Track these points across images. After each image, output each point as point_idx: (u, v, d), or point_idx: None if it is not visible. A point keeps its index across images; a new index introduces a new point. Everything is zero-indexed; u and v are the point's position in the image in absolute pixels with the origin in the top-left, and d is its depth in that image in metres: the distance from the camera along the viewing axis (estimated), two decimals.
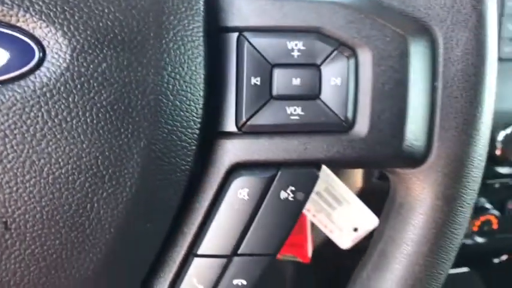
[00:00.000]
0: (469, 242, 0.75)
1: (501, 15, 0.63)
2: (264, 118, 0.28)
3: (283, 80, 0.27)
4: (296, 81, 0.27)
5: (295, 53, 0.27)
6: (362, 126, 0.28)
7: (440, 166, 0.29)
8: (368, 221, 0.53)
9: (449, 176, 0.29)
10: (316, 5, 0.27)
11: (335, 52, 0.27)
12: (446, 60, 0.28)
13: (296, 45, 0.27)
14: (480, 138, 0.29)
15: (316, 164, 0.29)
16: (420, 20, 0.28)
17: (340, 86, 0.28)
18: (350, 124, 0.28)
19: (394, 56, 0.27)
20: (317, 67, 0.28)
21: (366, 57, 0.27)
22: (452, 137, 0.29)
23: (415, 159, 0.29)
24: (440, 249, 0.30)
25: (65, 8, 0.23)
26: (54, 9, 0.23)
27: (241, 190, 0.28)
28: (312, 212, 0.52)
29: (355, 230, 0.53)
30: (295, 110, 0.28)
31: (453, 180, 0.29)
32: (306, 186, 0.29)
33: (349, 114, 0.28)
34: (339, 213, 0.52)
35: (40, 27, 0.23)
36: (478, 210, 0.73)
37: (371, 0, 0.28)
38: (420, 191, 0.30)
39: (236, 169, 0.28)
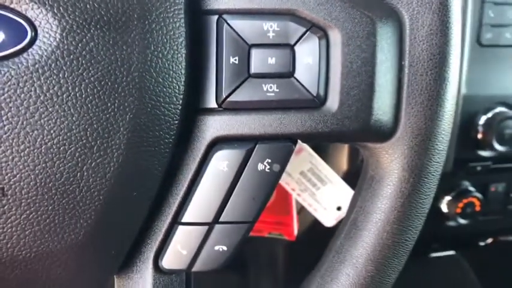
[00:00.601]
0: (452, 223, 0.77)
1: (482, 1, 0.64)
2: (242, 95, 0.30)
3: (260, 59, 0.29)
4: (271, 60, 0.29)
5: (271, 34, 0.29)
6: (333, 103, 0.30)
7: (407, 140, 0.31)
8: None
9: (415, 149, 0.31)
10: None
11: (308, 33, 0.29)
12: (412, 41, 0.30)
13: (271, 26, 0.29)
14: (444, 114, 0.31)
15: (291, 138, 0.31)
16: (388, 2, 0.30)
17: (312, 64, 0.30)
18: (322, 100, 0.30)
19: (362, 36, 0.29)
20: (291, 47, 0.30)
21: (336, 38, 0.29)
22: (417, 112, 0.31)
23: (383, 134, 0.31)
24: (406, 217, 0.32)
25: None
26: None
27: (221, 162, 0.30)
28: (296, 191, 0.54)
29: (339, 208, 0.55)
30: (271, 88, 0.30)
31: (419, 152, 0.31)
32: (282, 159, 0.31)
33: (321, 91, 0.30)
34: (323, 192, 0.55)
35: (32, 9, 0.25)
36: (461, 193, 0.74)
37: None
38: (389, 164, 0.32)
39: (217, 143, 0.30)
